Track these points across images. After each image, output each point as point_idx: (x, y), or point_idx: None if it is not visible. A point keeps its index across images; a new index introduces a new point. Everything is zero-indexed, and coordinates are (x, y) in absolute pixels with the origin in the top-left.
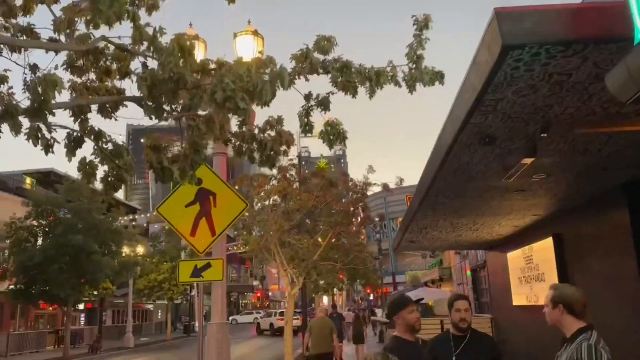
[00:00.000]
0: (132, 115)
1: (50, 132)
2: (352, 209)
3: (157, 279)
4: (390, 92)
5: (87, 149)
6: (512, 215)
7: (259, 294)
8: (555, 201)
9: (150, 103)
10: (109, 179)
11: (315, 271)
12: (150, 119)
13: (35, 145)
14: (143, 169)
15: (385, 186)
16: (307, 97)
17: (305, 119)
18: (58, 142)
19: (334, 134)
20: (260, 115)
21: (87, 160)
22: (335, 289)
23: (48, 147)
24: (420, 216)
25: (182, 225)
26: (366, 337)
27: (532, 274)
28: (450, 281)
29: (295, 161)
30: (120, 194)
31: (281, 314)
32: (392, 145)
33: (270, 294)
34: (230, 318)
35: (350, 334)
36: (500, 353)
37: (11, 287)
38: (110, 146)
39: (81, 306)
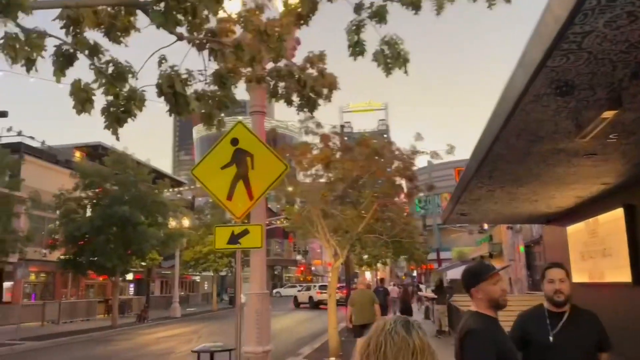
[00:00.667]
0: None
1: (28, 39)
2: (398, 179)
3: (203, 251)
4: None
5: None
6: (578, 184)
7: (302, 268)
8: (630, 167)
9: (158, 8)
10: (111, 109)
11: (360, 243)
12: (157, 28)
13: (14, 60)
14: (190, 144)
15: (434, 154)
16: (358, 7)
17: (355, 36)
18: (43, 57)
19: (393, 56)
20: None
21: (82, 84)
22: (379, 264)
23: (30, 63)
24: (474, 186)
25: (218, 189)
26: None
27: (597, 248)
28: (501, 257)
29: (338, 129)
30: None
31: (321, 287)
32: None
33: (313, 268)
34: (274, 291)
35: (398, 307)
36: (607, 336)
37: (61, 257)
38: (111, 68)
39: (130, 277)
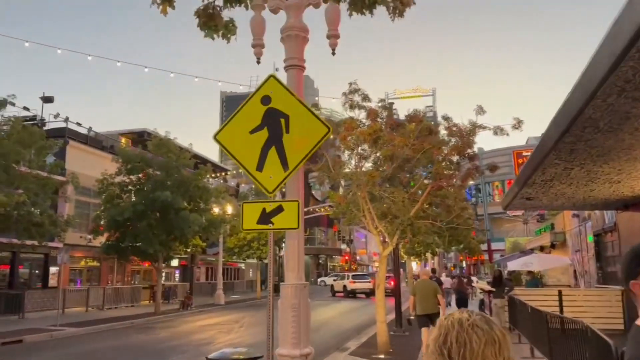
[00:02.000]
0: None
1: None
2: (456, 157)
3: (247, 238)
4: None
5: None
6: None
7: (346, 257)
8: None
9: None
10: None
11: (411, 229)
12: None
13: None
14: None
15: (498, 129)
16: None
17: None
18: None
19: None
20: None
21: None
22: (427, 254)
23: None
24: (550, 162)
25: (246, 157)
26: None
27: None
28: (564, 247)
29: (387, 103)
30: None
31: (354, 276)
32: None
33: (357, 257)
34: (320, 279)
35: (452, 298)
36: None
37: (104, 242)
38: None
39: (175, 263)
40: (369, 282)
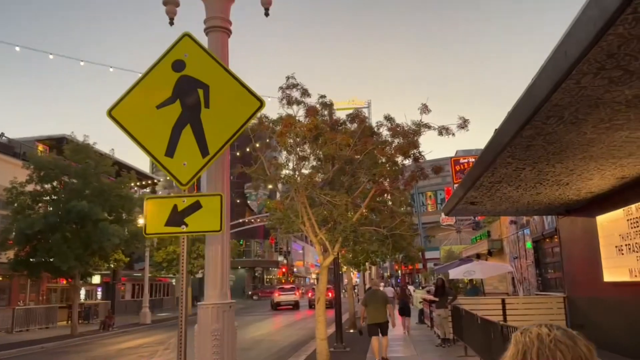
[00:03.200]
0: None
1: None
2: (401, 158)
3: (177, 251)
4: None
5: None
6: (633, 157)
7: (283, 270)
8: None
9: None
10: None
11: (353, 236)
12: None
13: None
14: None
15: (443, 129)
16: None
17: None
18: None
19: None
20: None
21: None
22: (367, 263)
23: None
24: (503, 161)
25: (152, 139)
26: None
27: None
28: (501, 255)
29: (327, 100)
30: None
31: (280, 289)
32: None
33: (295, 269)
34: (251, 293)
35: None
36: None
37: (11, 258)
38: None
39: (97, 279)
40: (294, 294)
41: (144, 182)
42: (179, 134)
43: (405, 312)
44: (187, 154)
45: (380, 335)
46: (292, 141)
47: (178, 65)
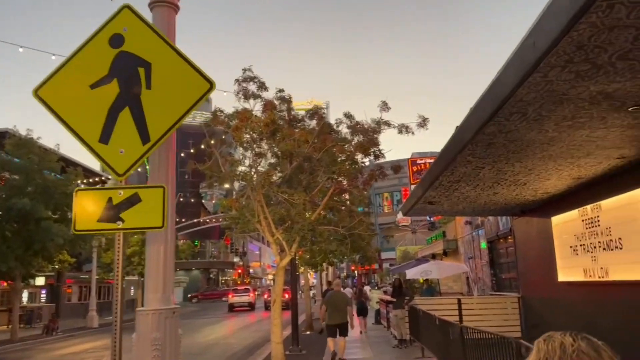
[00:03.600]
0: None
1: None
2: (360, 156)
3: (126, 253)
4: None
5: None
6: (591, 157)
7: (239, 271)
8: None
9: None
10: None
11: (311, 235)
12: None
13: None
14: None
15: (403, 127)
16: None
17: None
18: None
19: None
20: None
21: None
22: (324, 264)
23: None
24: (463, 159)
25: (84, 122)
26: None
27: (599, 240)
28: (456, 255)
29: (285, 94)
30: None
31: (234, 290)
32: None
33: (251, 270)
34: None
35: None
36: None
37: None
38: None
39: (41, 281)
40: (248, 295)
41: (91, 180)
42: (116, 117)
43: (362, 312)
44: (124, 141)
45: (338, 336)
46: (248, 137)
47: (116, 41)
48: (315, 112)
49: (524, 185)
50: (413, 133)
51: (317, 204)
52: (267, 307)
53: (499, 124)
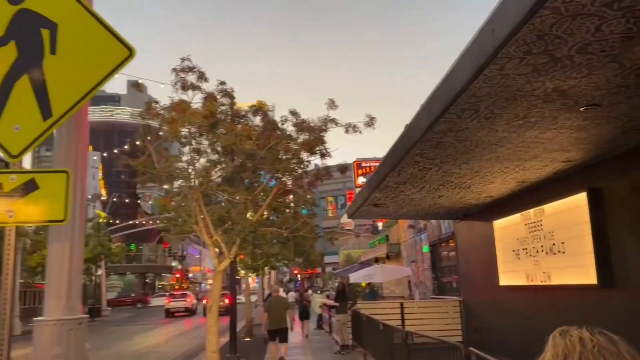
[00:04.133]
0: None
1: None
2: (306, 155)
3: (42, 253)
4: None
5: None
6: (538, 160)
7: (178, 275)
8: (617, 135)
9: None
10: None
11: (253, 237)
12: None
13: None
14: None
15: (350, 126)
16: None
17: None
18: None
19: None
20: None
21: None
22: (266, 268)
23: None
24: (411, 159)
25: None
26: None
27: (541, 244)
28: (399, 259)
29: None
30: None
31: (171, 295)
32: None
33: (190, 275)
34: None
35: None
36: None
37: None
38: None
39: None
40: (185, 300)
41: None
42: (11, 87)
43: (304, 315)
44: (21, 115)
45: (278, 341)
46: (186, 131)
47: None
48: (260, 109)
49: (469, 188)
50: (360, 132)
51: (260, 205)
52: (205, 312)
53: (450, 121)
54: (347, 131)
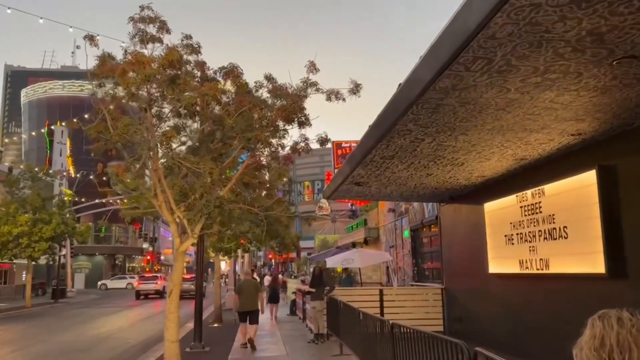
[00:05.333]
0: None
1: None
2: (282, 123)
3: (13, 232)
4: None
5: None
6: (544, 132)
7: (149, 257)
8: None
9: None
10: None
11: (221, 214)
12: None
13: None
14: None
15: (332, 93)
16: None
17: None
18: None
19: None
20: None
21: None
22: (239, 251)
23: None
24: (404, 127)
25: None
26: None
27: (539, 229)
28: (377, 244)
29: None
30: None
31: (141, 278)
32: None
33: (162, 257)
34: (100, 283)
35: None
36: None
37: None
38: None
39: None
40: (155, 283)
41: None
42: None
43: (274, 299)
44: None
45: (248, 322)
46: (144, 92)
47: None
48: (231, 71)
49: (461, 165)
50: (344, 100)
51: (228, 179)
52: (138, 296)
53: (457, 75)
54: (329, 99)
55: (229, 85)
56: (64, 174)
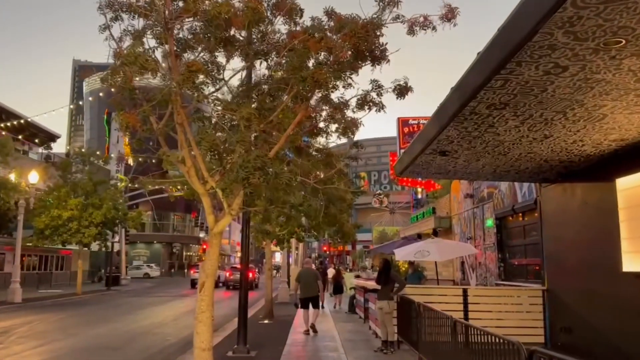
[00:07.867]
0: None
1: None
2: (350, 55)
3: (63, 216)
4: None
5: None
6: None
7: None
8: None
9: None
10: None
11: (261, 175)
12: None
13: None
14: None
15: (417, 22)
16: None
17: None
18: None
19: None
20: None
21: None
22: (292, 240)
23: None
24: (549, 37)
25: None
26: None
27: None
28: (449, 235)
29: None
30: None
31: (197, 266)
32: None
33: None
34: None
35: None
36: None
37: None
38: None
39: None
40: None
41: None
42: None
43: (338, 290)
44: None
45: (310, 307)
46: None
47: None
48: (282, 3)
49: (600, 120)
50: (435, 29)
51: (274, 141)
52: (227, 286)
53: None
54: (411, 32)
55: (279, 24)
56: (121, 160)
